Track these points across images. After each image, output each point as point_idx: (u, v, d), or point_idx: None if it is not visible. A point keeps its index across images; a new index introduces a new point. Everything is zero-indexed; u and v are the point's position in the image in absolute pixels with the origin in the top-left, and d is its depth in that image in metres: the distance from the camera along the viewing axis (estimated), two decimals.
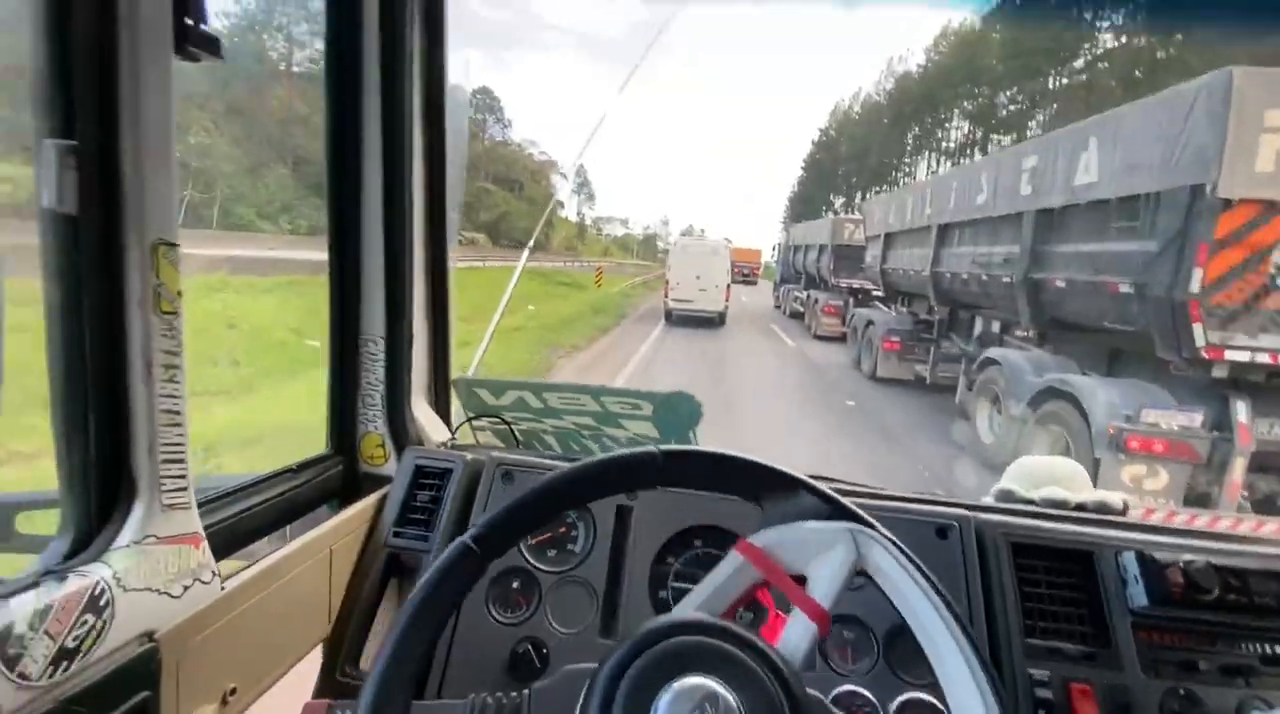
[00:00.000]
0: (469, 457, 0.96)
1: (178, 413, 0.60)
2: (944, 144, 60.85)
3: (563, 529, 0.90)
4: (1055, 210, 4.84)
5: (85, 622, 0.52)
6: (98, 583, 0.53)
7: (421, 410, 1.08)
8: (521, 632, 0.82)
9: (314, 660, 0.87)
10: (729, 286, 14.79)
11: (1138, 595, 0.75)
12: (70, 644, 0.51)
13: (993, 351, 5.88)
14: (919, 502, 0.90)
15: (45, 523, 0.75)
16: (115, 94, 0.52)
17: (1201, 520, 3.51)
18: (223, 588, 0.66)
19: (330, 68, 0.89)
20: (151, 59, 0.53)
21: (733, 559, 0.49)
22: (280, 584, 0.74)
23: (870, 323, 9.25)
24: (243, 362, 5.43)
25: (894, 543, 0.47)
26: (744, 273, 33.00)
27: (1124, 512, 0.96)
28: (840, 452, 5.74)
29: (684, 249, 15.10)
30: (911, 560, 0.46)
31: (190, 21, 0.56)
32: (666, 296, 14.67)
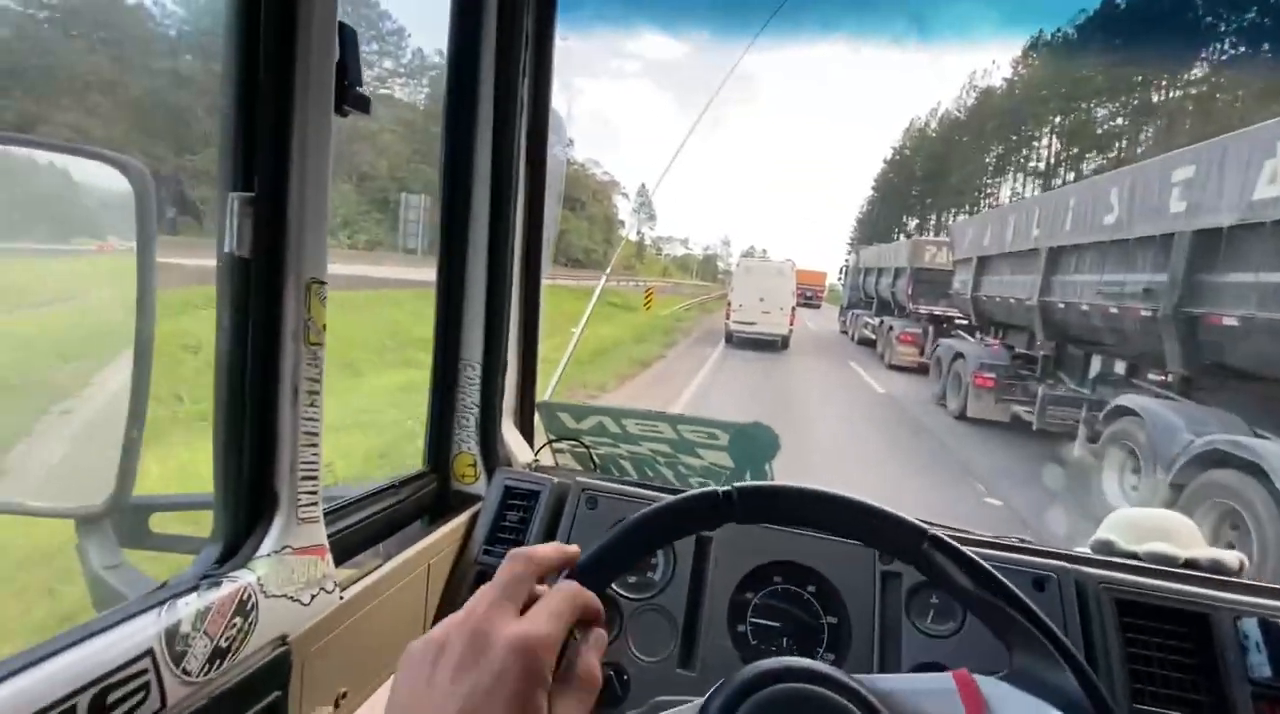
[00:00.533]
0: (555, 480, 1.03)
1: (315, 435, 0.66)
2: (1031, 163, 58.15)
3: None
4: (1223, 230, 4.04)
5: (235, 624, 0.57)
6: (246, 588, 0.59)
7: (510, 432, 1.16)
8: (605, 657, 0.76)
9: None
10: (794, 309, 14.72)
11: (1260, 665, 0.71)
12: (223, 644, 0.56)
13: (1128, 399, 5.19)
14: (1010, 549, 0.88)
15: (176, 524, 0.82)
16: (288, 150, 0.60)
17: None
18: (341, 597, 0.72)
19: (449, 104, 0.99)
20: (317, 118, 0.61)
21: (942, 680, 0.44)
22: (386, 595, 0.81)
23: (959, 356, 8.63)
24: None
25: None
26: (807, 296, 32.09)
27: (1240, 571, 0.90)
28: (938, 501, 5.17)
29: (748, 270, 15.01)
30: None
31: (348, 83, 0.65)
32: (728, 318, 14.64)
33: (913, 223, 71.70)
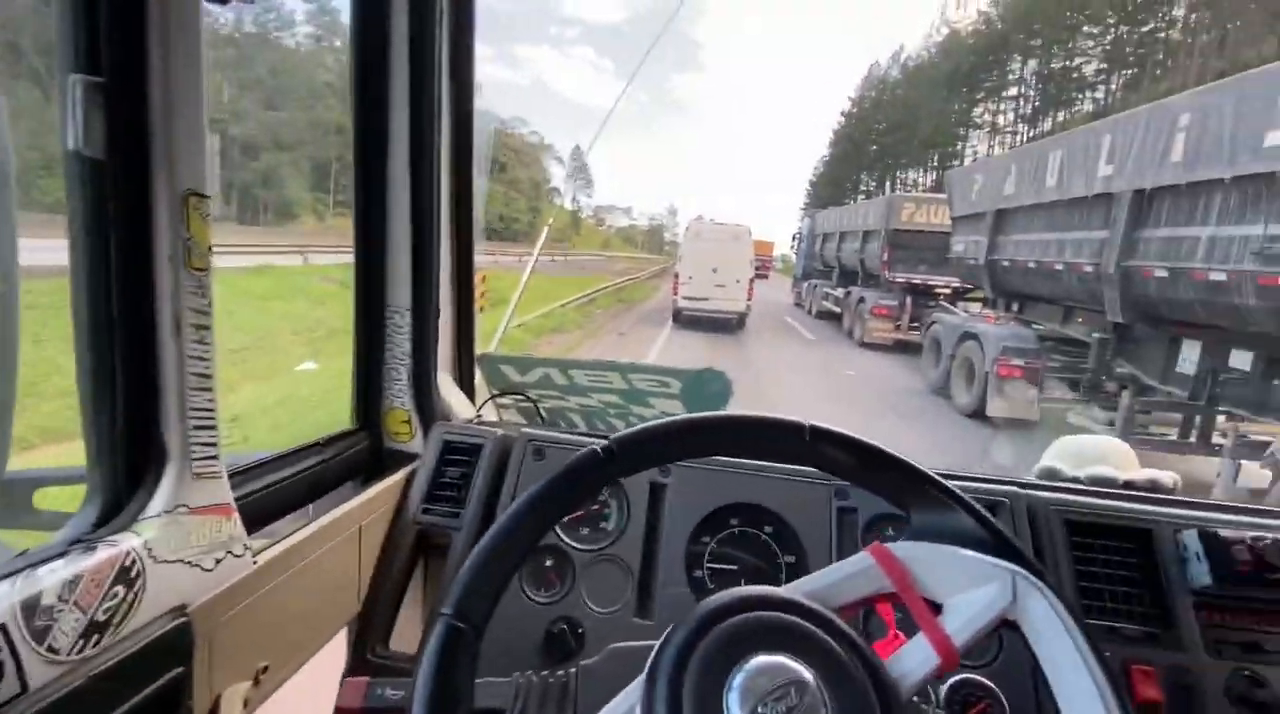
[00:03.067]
0: (499, 433, 0.98)
1: (208, 376, 0.60)
2: (1021, 107, 50.50)
3: (595, 506, 0.92)
4: None
5: (116, 594, 0.52)
6: (128, 553, 0.53)
7: (447, 386, 1.10)
8: (556, 611, 0.83)
9: (340, 640, 0.89)
10: (752, 281, 12.48)
11: (1200, 574, 0.75)
12: (100, 617, 0.51)
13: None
14: (964, 479, 0.91)
15: (63, 500, 0.75)
16: (144, 29, 0.51)
17: None
18: (255, 562, 0.66)
19: (357, 36, 0.91)
20: None
21: (862, 560, 0.47)
22: (310, 560, 0.76)
23: (968, 336, 6.86)
24: None
25: (1060, 598, 0.43)
26: (756, 266, 30.33)
27: (1174, 490, 0.97)
28: None
29: (697, 235, 12.65)
30: (1077, 622, 0.43)
31: None
32: (675, 292, 12.42)
33: (872, 183, 67.40)
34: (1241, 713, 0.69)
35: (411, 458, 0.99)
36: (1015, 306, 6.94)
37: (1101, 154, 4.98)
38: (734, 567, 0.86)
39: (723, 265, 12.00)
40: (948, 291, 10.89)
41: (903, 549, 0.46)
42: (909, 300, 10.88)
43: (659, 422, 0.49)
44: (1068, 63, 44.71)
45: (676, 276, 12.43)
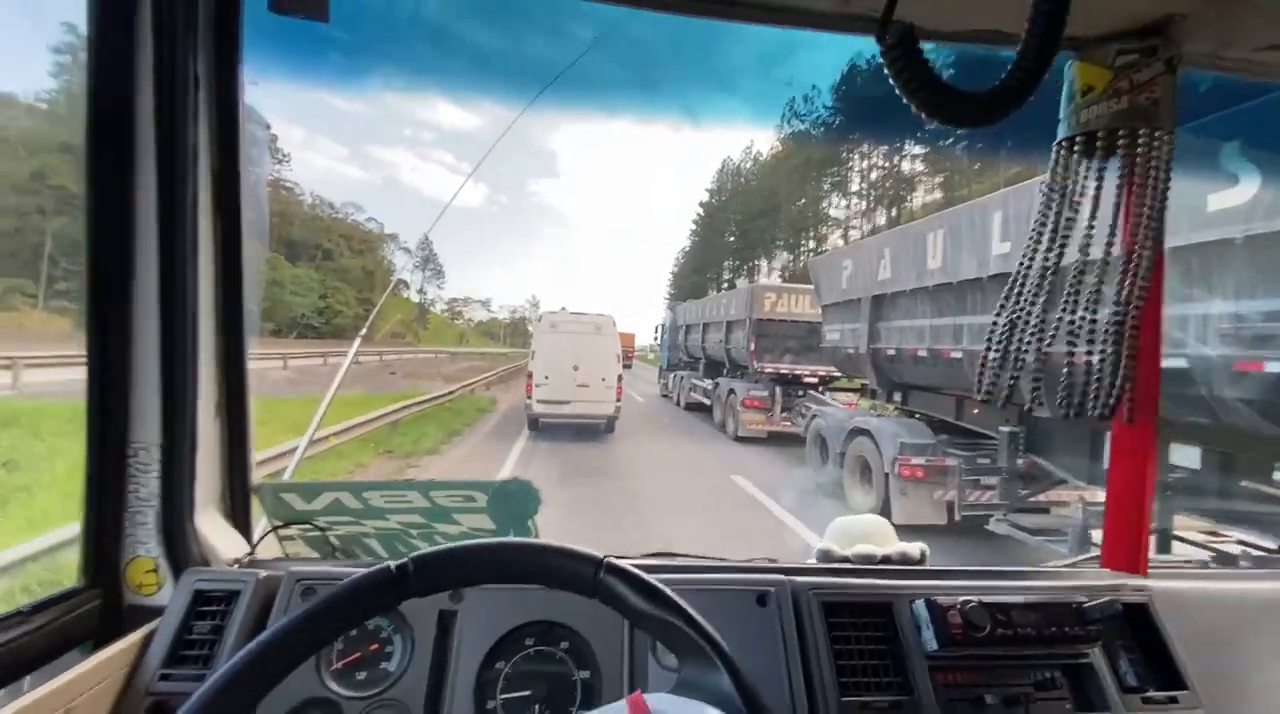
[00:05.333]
0: (261, 574, 0.89)
1: None
2: (865, 201, 52.68)
3: (374, 646, 0.84)
4: None
5: None
6: None
7: (211, 525, 0.99)
8: None
9: None
10: (620, 378, 10.84)
11: (929, 640, 0.81)
12: None
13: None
14: (742, 571, 0.94)
15: None
16: None
17: None
18: None
19: (93, 111, 0.82)
20: None
21: (617, 709, 0.47)
22: None
23: (860, 433, 6.50)
24: None
25: None
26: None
27: (921, 560, 1.04)
28: None
29: (554, 326, 10.90)
30: None
31: None
32: (529, 395, 10.46)
33: (735, 270, 69.78)
34: None
35: (158, 614, 0.87)
36: (899, 397, 6.52)
37: (994, 231, 4.62)
38: (528, 692, 0.82)
39: (585, 361, 10.47)
40: (814, 381, 10.78)
41: (660, 702, 0.47)
42: (778, 390, 10.60)
43: (458, 543, 0.50)
44: (893, 162, 50.12)
45: (530, 376, 10.51)
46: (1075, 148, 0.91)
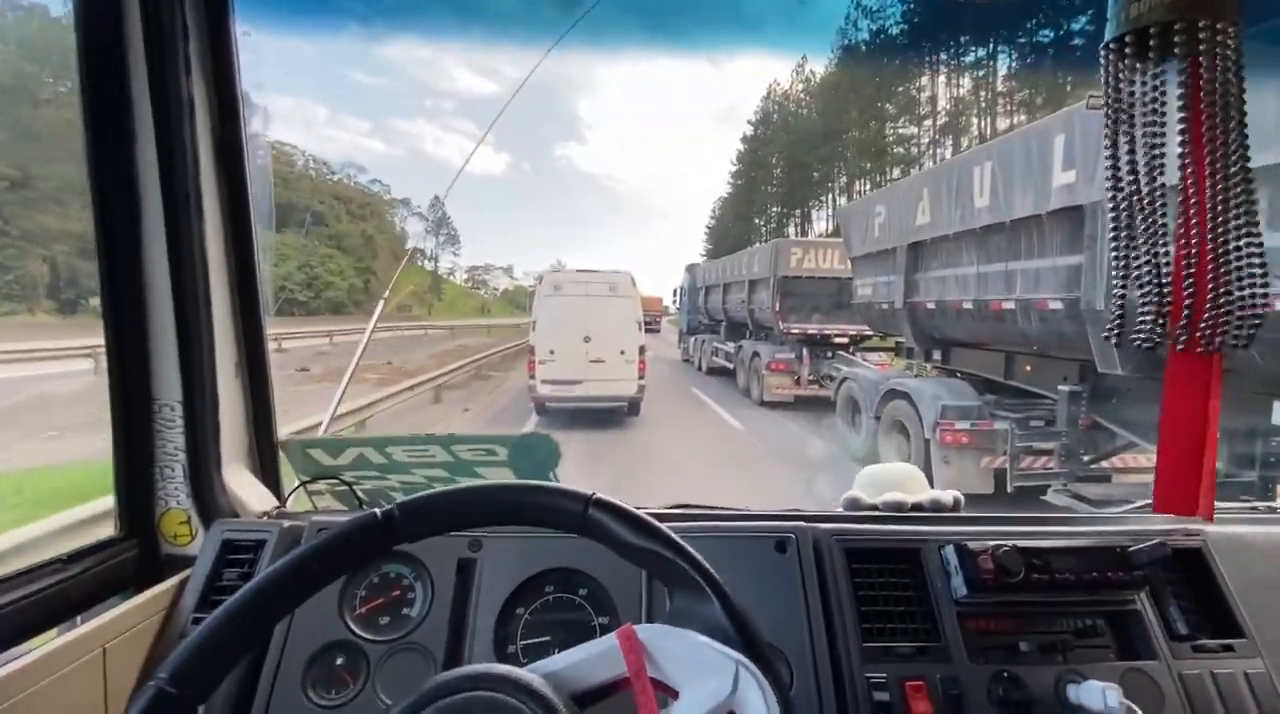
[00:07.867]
0: (285, 525, 0.92)
1: None
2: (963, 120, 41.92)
3: (396, 592, 0.87)
4: None
5: None
6: None
7: (240, 479, 1.04)
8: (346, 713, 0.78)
9: None
10: (642, 350, 8.66)
11: (959, 586, 0.79)
12: None
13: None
14: (763, 519, 0.93)
15: None
16: None
17: None
18: None
19: (87, 97, 0.84)
20: None
21: (607, 642, 0.47)
22: (39, 688, 0.69)
23: (894, 395, 5.88)
24: None
25: (777, 694, 0.43)
26: (645, 321, 29.35)
27: (955, 508, 1.01)
28: None
29: (557, 288, 8.68)
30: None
31: None
32: (533, 374, 8.51)
33: (770, 226, 59.73)
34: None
35: (193, 563, 0.92)
36: (938, 355, 6.15)
37: (1055, 159, 3.84)
38: (547, 637, 0.84)
39: (598, 330, 8.39)
40: (845, 341, 10.39)
41: (650, 633, 0.46)
42: (805, 352, 10.22)
43: (444, 488, 0.51)
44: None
45: (532, 351, 8.48)
46: (1126, 49, 0.82)
